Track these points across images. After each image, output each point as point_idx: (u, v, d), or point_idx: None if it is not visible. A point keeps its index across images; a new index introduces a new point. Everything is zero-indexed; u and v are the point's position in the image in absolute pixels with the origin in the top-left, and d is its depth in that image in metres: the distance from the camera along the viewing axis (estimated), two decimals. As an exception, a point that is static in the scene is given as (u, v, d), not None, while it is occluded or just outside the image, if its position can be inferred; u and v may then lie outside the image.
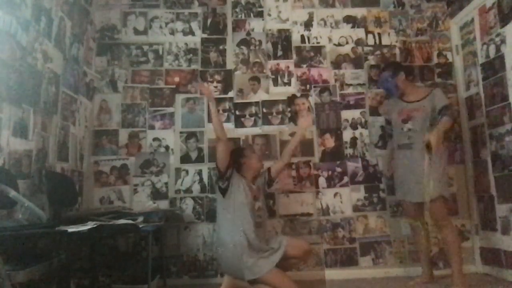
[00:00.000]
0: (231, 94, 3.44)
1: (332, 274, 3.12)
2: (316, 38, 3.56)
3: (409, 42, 3.57)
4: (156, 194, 3.25)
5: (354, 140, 3.39)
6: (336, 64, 3.53)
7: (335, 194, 3.31)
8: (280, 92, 3.46)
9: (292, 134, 3.34)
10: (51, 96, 2.62)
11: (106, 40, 3.46)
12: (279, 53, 3.54)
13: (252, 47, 3.53)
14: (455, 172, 3.34)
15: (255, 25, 3.56)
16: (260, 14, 3.59)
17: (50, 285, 2.04)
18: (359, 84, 3.49)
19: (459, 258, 2.64)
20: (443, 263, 3.15)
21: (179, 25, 3.54)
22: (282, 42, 3.55)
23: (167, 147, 3.33)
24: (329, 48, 3.55)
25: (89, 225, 1.98)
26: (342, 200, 3.30)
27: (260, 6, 3.60)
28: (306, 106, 3.44)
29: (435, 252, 3.15)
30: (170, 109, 3.39)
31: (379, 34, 3.59)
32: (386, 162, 3.20)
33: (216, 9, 3.58)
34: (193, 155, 3.33)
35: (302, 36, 3.57)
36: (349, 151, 3.38)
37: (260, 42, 3.54)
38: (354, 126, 3.42)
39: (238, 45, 3.53)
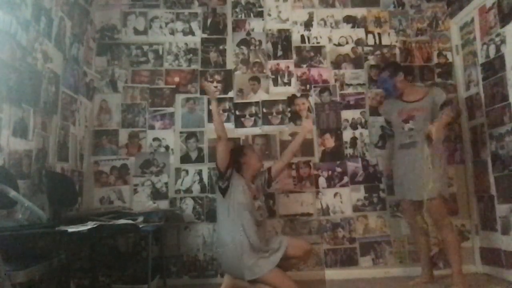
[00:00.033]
0: (231, 94, 3.44)
1: (332, 274, 3.12)
2: (316, 38, 3.56)
3: (409, 42, 3.57)
4: (156, 194, 3.25)
5: (354, 140, 3.39)
6: (336, 64, 3.53)
7: (335, 194, 3.31)
8: (280, 92, 3.46)
9: (292, 134, 3.35)
10: (51, 96, 2.62)
11: (106, 40, 3.46)
12: (279, 53, 3.54)
13: (252, 47, 3.53)
14: (455, 172, 3.34)
15: (255, 25, 3.57)
16: (260, 14, 3.59)
17: (50, 285, 2.04)
18: (359, 84, 3.49)
19: (459, 258, 2.64)
20: (443, 263, 3.15)
21: (179, 25, 3.54)
22: (282, 42, 3.55)
23: (167, 147, 3.33)
24: (329, 48, 3.55)
25: (89, 225, 1.98)
26: (342, 200, 3.30)
27: (260, 6, 3.60)
28: (306, 106, 3.44)
29: (435, 252, 3.15)
30: (170, 109, 3.39)
31: (379, 34, 3.59)
32: (384, 162, 3.21)
33: (216, 9, 3.58)
34: (193, 155, 3.33)
35: (302, 36, 3.57)
36: (349, 151, 3.38)
37: (260, 42, 3.54)
38: (354, 126, 3.42)
39: (238, 45, 3.53)
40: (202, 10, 3.57)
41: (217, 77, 3.46)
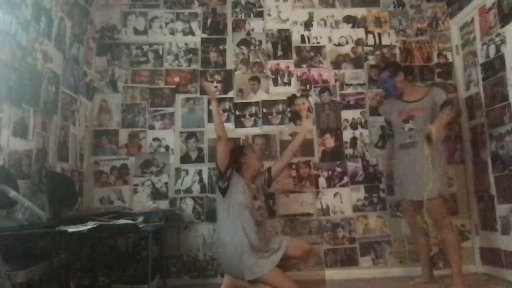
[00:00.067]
0: (231, 94, 3.44)
1: (332, 274, 3.12)
2: (316, 38, 3.56)
3: (409, 42, 3.57)
4: (156, 194, 3.25)
5: (354, 140, 3.39)
6: (336, 64, 3.53)
7: (335, 194, 3.31)
8: (280, 92, 3.46)
9: (292, 134, 3.35)
10: (51, 96, 2.62)
11: (106, 40, 3.46)
12: (279, 53, 3.54)
13: (252, 47, 3.53)
14: (455, 172, 3.34)
15: (255, 25, 3.57)
16: (260, 14, 3.59)
17: (50, 285, 2.05)
18: (359, 84, 3.49)
19: (459, 258, 2.64)
20: (443, 263, 3.15)
21: (179, 25, 3.54)
22: (282, 42, 3.55)
23: (167, 147, 3.33)
24: (329, 48, 3.55)
25: (89, 225, 1.98)
26: (342, 200, 3.30)
27: (260, 6, 3.60)
28: (306, 106, 3.44)
29: (435, 252, 3.15)
30: (170, 109, 3.39)
31: (379, 34, 3.59)
32: (384, 162, 3.22)
33: (216, 9, 3.58)
34: (193, 155, 3.33)
35: (302, 36, 3.57)
36: (349, 151, 3.38)
37: (260, 42, 3.54)
38: (354, 126, 3.42)
39: (238, 45, 3.53)
40: (202, 10, 3.57)
41: (217, 77, 3.46)
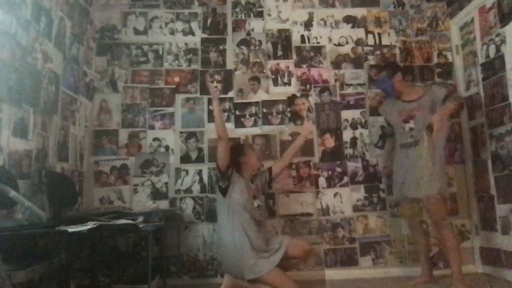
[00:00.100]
0: (231, 94, 3.44)
1: (332, 274, 3.12)
2: (316, 38, 3.56)
3: (409, 42, 3.57)
4: (156, 194, 3.25)
5: (354, 140, 3.39)
6: (336, 64, 3.53)
7: (335, 194, 3.31)
8: (280, 92, 3.46)
9: (292, 134, 3.35)
10: (51, 96, 2.62)
11: (106, 40, 3.46)
12: (279, 53, 3.54)
13: (252, 47, 3.53)
14: (455, 172, 3.34)
15: (255, 25, 3.57)
16: (260, 14, 3.59)
17: (50, 285, 2.05)
18: (359, 84, 3.49)
19: (459, 258, 2.64)
20: (443, 263, 3.15)
21: (179, 25, 3.54)
22: (282, 42, 3.55)
23: (167, 147, 3.33)
24: (329, 48, 3.55)
25: (89, 225, 1.98)
26: (342, 200, 3.30)
27: (260, 6, 3.60)
28: (306, 106, 3.44)
29: (435, 252, 3.15)
30: (170, 109, 3.39)
31: (379, 34, 3.59)
32: (382, 161, 3.23)
33: (216, 9, 3.58)
34: (193, 155, 3.33)
35: (302, 36, 3.57)
36: (349, 151, 3.38)
37: (260, 42, 3.54)
38: (354, 126, 3.42)
39: (238, 45, 3.53)
40: (202, 10, 3.57)
41: (217, 77, 3.46)
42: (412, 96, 2.88)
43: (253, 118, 3.41)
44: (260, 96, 3.45)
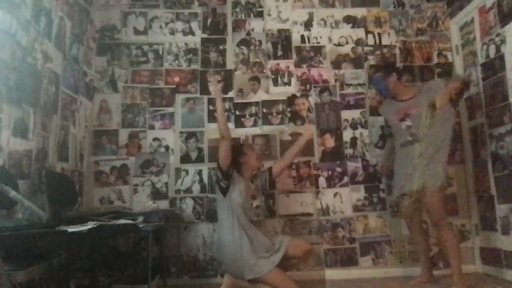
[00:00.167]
0: (231, 94, 3.44)
1: (332, 274, 3.12)
2: (316, 38, 3.56)
3: (409, 42, 3.57)
4: (156, 194, 3.25)
5: (354, 140, 3.39)
6: (336, 64, 3.53)
7: (335, 194, 3.31)
8: (280, 92, 3.46)
9: (292, 134, 3.35)
10: (51, 96, 2.62)
11: (106, 40, 3.46)
12: (279, 53, 3.54)
13: (252, 47, 3.53)
14: (455, 172, 3.34)
15: (255, 25, 3.56)
16: (260, 14, 3.59)
17: (50, 285, 2.05)
18: (359, 84, 3.49)
19: (459, 258, 2.64)
20: (443, 263, 3.14)
21: (179, 25, 3.54)
22: (282, 42, 3.55)
23: (167, 147, 3.33)
24: (329, 48, 3.55)
25: (89, 225, 1.98)
26: (342, 200, 3.30)
27: (260, 6, 3.60)
28: (306, 106, 3.44)
29: (435, 252, 3.14)
30: (170, 109, 3.39)
31: (379, 34, 3.59)
32: (382, 161, 3.23)
33: (216, 9, 3.58)
34: (193, 155, 3.33)
35: (302, 36, 3.56)
36: (349, 151, 3.38)
37: (260, 42, 3.54)
38: (354, 126, 3.42)
39: (238, 45, 3.53)
40: (202, 10, 3.57)
41: (217, 77, 3.46)
42: (407, 95, 2.89)
43: (253, 118, 3.41)
44: (260, 96, 3.45)
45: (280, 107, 3.43)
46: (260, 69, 3.50)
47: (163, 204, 3.17)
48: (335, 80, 3.49)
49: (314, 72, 3.50)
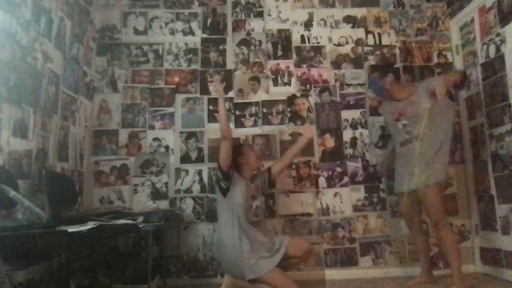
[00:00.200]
0: (231, 94, 3.44)
1: (332, 274, 3.12)
2: (316, 38, 3.56)
3: (409, 42, 3.57)
4: (156, 194, 3.25)
5: (354, 140, 3.39)
6: (336, 64, 3.52)
7: (335, 194, 3.31)
8: (280, 92, 3.46)
9: (292, 134, 3.35)
10: (51, 96, 2.62)
11: (106, 40, 3.46)
12: (279, 53, 3.54)
13: (252, 47, 3.53)
14: (455, 172, 3.34)
15: (255, 25, 3.56)
16: (260, 14, 3.59)
17: (50, 285, 2.05)
18: (359, 84, 3.49)
19: (458, 258, 2.64)
20: (443, 263, 3.14)
21: (179, 25, 3.54)
22: (282, 42, 3.55)
23: (167, 147, 3.33)
24: (329, 48, 3.55)
25: (89, 225, 1.97)
26: (342, 200, 3.30)
27: (260, 6, 3.60)
28: (306, 106, 3.44)
29: (435, 252, 3.14)
30: (170, 109, 3.39)
31: (379, 34, 3.59)
32: (383, 160, 3.23)
33: (216, 9, 3.58)
34: (193, 155, 3.33)
35: (302, 36, 3.56)
36: (349, 151, 3.38)
37: (260, 42, 3.54)
38: (354, 126, 3.42)
39: (238, 45, 3.53)
40: (202, 10, 3.57)
41: (217, 77, 3.46)
42: (403, 95, 2.89)
43: (253, 118, 3.41)
44: (260, 96, 3.45)
45: (280, 107, 3.43)
46: (260, 69, 3.50)
47: (163, 204, 3.17)
48: (335, 80, 3.49)
49: (314, 72, 3.50)
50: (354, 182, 3.33)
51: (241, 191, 2.53)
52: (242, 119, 3.41)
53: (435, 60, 3.54)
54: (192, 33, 3.53)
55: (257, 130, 3.39)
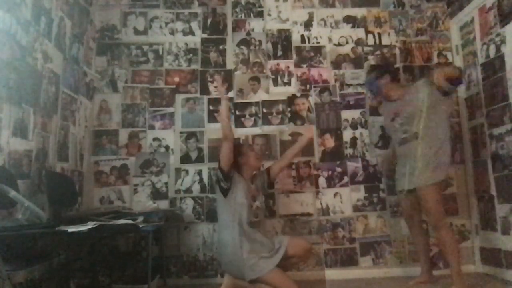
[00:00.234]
0: (231, 94, 3.43)
1: (332, 274, 3.12)
2: (316, 38, 3.56)
3: (409, 42, 3.57)
4: (156, 194, 3.25)
5: (354, 140, 3.39)
6: (336, 64, 3.53)
7: (335, 194, 3.31)
8: (280, 92, 3.46)
9: (292, 134, 3.35)
10: (51, 96, 2.62)
11: (106, 40, 3.46)
12: (279, 53, 3.54)
13: (252, 47, 3.53)
14: (455, 172, 3.34)
15: (255, 25, 3.56)
16: (260, 14, 3.59)
17: (50, 285, 2.04)
18: (359, 84, 3.48)
19: (458, 258, 2.63)
20: (443, 263, 3.14)
21: (179, 25, 3.54)
22: (282, 42, 3.55)
23: (167, 147, 3.33)
24: (329, 48, 3.55)
25: (89, 225, 1.98)
26: (342, 200, 3.30)
27: (260, 6, 3.60)
28: (306, 106, 3.44)
29: (435, 252, 3.14)
30: (170, 109, 3.39)
31: (379, 34, 3.59)
32: (383, 159, 3.23)
33: (216, 9, 3.58)
34: (193, 155, 3.33)
35: (302, 36, 3.57)
36: (349, 151, 3.38)
37: (260, 42, 3.54)
38: (354, 126, 3.42)
39: (238, 45, 3.53)
40: (202, 10, 3.57)
41: (218, 77, 3.45)
42: (398, 95, 2.89)
43: (253, 118, 3.41)
44: (260, 96, 3.45)
45: (280, 107, 3.43)
46: (260, 69, 3.50)
47: (163, 204, 3.17)
48: (335, 80, 3.49)
49: (314, 72, 3.50)
50: (354, 182, 3.33)
51: (242, 191, 2.53)
52: (242, 119, 3.41)
53: (435, 60, 3.54)
54: (192, 33, 3.53)
55: (257, 130, 3.39)
